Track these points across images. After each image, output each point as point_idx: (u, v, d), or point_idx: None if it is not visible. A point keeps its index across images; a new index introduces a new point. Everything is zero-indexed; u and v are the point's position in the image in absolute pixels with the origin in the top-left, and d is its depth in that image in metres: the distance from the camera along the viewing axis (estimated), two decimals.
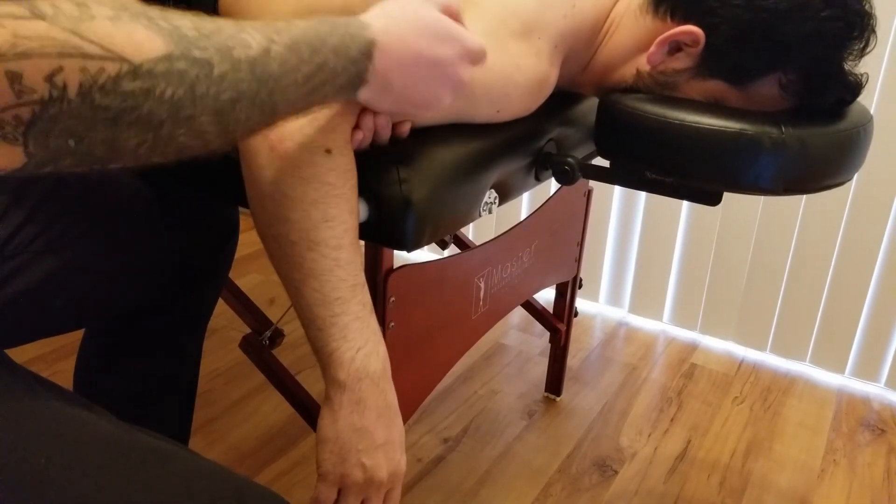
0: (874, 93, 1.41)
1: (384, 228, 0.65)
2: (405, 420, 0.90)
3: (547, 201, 1.15)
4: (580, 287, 1.40)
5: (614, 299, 1.85)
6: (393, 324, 0.79)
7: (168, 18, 0.38)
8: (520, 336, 1.70)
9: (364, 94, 0.53)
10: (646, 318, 1.81)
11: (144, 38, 0.36)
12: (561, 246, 1.24)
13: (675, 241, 1.72)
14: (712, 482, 1.26)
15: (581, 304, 1.87)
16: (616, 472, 1.27)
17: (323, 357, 0.60)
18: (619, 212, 1.78)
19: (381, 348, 0.62)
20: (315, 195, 0.57)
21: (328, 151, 0.58)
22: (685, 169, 0.72)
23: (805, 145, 0.68)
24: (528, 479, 1.24)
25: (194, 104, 0.39)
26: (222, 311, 1.08)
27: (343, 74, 0.49)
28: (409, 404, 0.90)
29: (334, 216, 0.58)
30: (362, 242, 0.66)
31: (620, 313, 1.84)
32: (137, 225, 0.73)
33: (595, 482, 1.24)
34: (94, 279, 0.69)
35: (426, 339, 0.88)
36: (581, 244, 1.32)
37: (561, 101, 0.86)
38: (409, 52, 0.53)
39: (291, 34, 0.45)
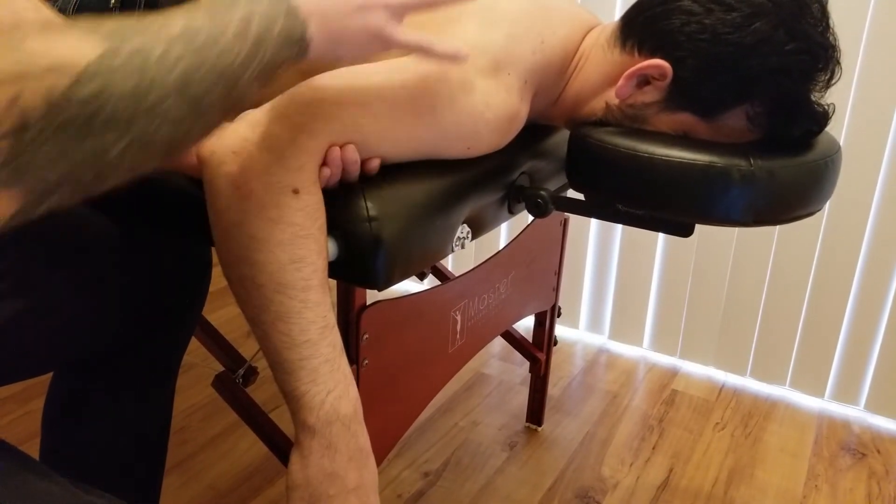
0: (843, 122, 1.43)
1: (354, 267, 0.64)
2: (382, 458, 0.89)
3: (523, 231, 1.15)
4: (559, 316, 1.39)
5: (594, 326, 1.84)
6: (367, 361, 0.78)
7: (92, 23, 0.39)
8: (500, 365, 1.69)
9: (315, 40, 0.52)
10: (626, 345, 1.81)
11: (77, 44, 0.37)
12: (538, 275, 1.24)
13: (653, 266, 1.73)
14: None
15: (561, 331, 1.87)
16: None
17: (292, 401, 0.59)
18: (597, 238, 1.78)
19: (352, 390, 0.61)
20: (282, 236, 0.57)
21: (295, 191, 0.57)
22: (655, 202, 0.72)
23: (774, 177, 0.68)
24: None
25: (151, 89, 0.39)
26: (199, 347, 1.06)
27: (277, 20, 0.49)
28: (386, 442, 0.88)
29: (302, 257, 0.57)
30: (333, 280, 0.65)
31: (601, 340, 1.84)
32: (104, 265, 0.71)
33: None
34: (60, 321, 0.68)
35: (402, 376, 0.86)
36: (559, 273, 1.32)
37: (532, 133, 0.86)
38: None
39: (205, 2, 0.46)
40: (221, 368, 0.99)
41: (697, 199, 0.70)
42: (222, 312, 1.76)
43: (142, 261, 0.74)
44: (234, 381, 0.98)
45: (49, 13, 0.40)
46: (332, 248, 0.62)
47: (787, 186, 0.70)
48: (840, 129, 1.43)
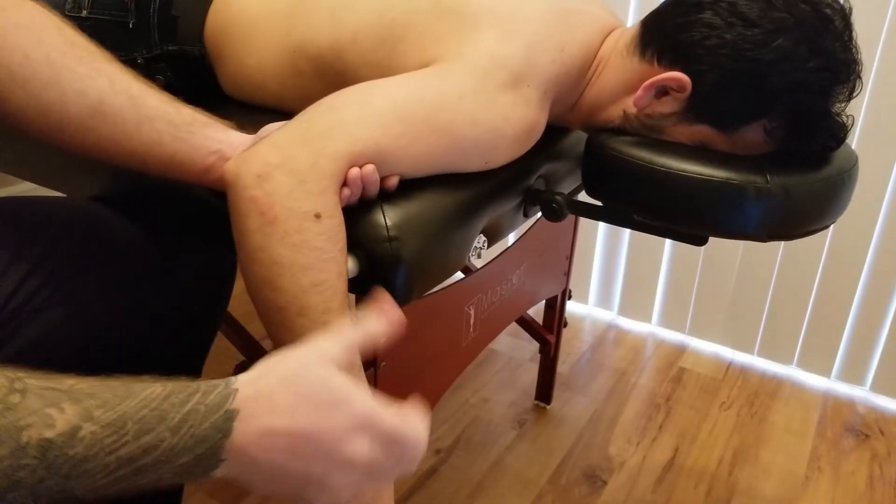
0: (859, 115, 1.41)
1: (375, 285, 0.65)
2: None
3: (536, 222, 1.16)
4: (569, 298, 1.41)
5: (604, 301, 1.86)
6: (384, 363, 0.80)
7: None
8: (510, 341, 1.72)
9: (221, 473, 0.43)
10: (635, 321, 1.83)
11: None
12: (550, 262, 1.25)
13: (664, 242, 1.73)
14: (699, 491, 1.28)
15: (570, 306, 1.89)
16: (605, 483, 1.29)
17: None
18: None
19: None
20: (304, 261, 0.58)
21: (317, 216, 0.58)
22: (670, 215, 0.72)
23: (790, 194, 0.69)
24: (519, 492, 1.26)
25: None
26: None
27: (186, 454, 0.40)
28: None
29: (323, 281, 0.58)
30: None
31: (610, 315, 1.86)
32: (137, 272, 0.73)
33: (584, 493, 1.26)
34: (94, 329, 0.70)
35: (417, 372, 0.89)
36: (570, 257, 1.33)
37: (548, 136, 0.86)
38: (282, 423, 0.42)
39: (121, 408, 0.39)
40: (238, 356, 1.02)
41: (712, 215, 0.70)
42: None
43: (168, 267, 0.76)
44: None
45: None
46: (352, 265, 0.64)
47: (803, 203, 0.70)
48: (856, 118, 1.42)
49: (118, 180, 0.81)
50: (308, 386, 0.44)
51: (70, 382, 0.39)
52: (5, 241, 0.63)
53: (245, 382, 0.44)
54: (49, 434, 0.36)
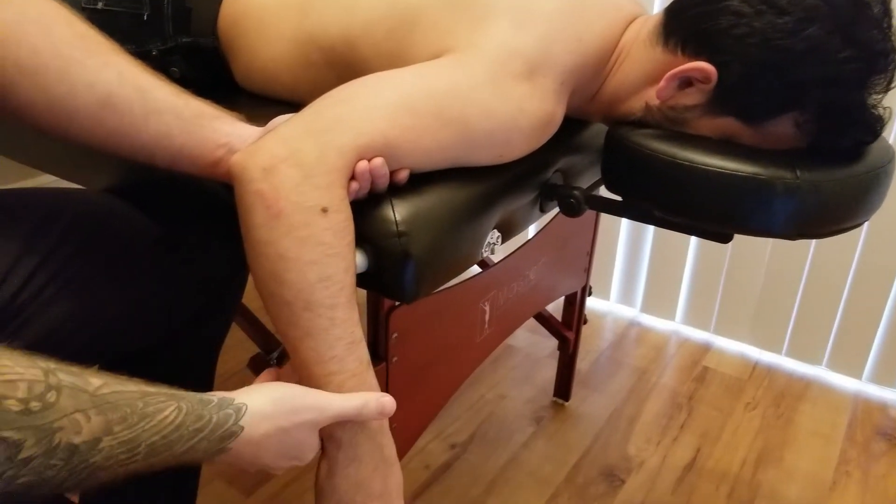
0: None
1: (383, 281, 0.63)
2: (410, 445, 0.91)
3: (555, 217, 1.13)
4: (590, 294, 1.38)
5: (626, 298, 1.83)
6: (396, 358, 0.79)
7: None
8: (528, 337, 1.70)
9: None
10: (658, 318, 1.79)
11: None
12: (570, 258, 1.23)
13: (689, 237, 1.69)
14: (721, 493, 1.25)
15: (591, 302, 1.86)
16: (623, 482, 1.27)
17: None
18: None
19: None
20: (310, 256, 0.56)
21: (324, 210, 0.57)
22: (693, 211, 0.70)
23: (820, 190, 0.65)
24: (535, 489, 1.24)
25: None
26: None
27: (177, 461, 0.47)
28: (414, 430, 0.90)
29: (330, 276, 0.57)
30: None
31: (632, 312, 1.82)
32: (147, 264, 0.72)
33: (602, 492, 1.24)
34: (102, 322, 0.69)
35: (430, 368, 0.87)
36: (591, 253, 1.30)
37: (566, 128, 0.83)
38: (256, 461, 0.54)
39: (138, 429, 0.43)
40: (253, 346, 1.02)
41: (737, 212, 0.67)
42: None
43: (178, 259, 0.75)
44: (268, 364, 1.01)
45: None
46: (361, 260, 0.62)
47: (834, 200, 0.66)
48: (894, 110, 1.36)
49: (134, 172, 0.81)
50: (291, 444, 0.54)
51: (95, 384, 0.42)
52: (15, 234, 0.63)
53: (252, 420, 0.51)
54: (76, 440, 0.39)
